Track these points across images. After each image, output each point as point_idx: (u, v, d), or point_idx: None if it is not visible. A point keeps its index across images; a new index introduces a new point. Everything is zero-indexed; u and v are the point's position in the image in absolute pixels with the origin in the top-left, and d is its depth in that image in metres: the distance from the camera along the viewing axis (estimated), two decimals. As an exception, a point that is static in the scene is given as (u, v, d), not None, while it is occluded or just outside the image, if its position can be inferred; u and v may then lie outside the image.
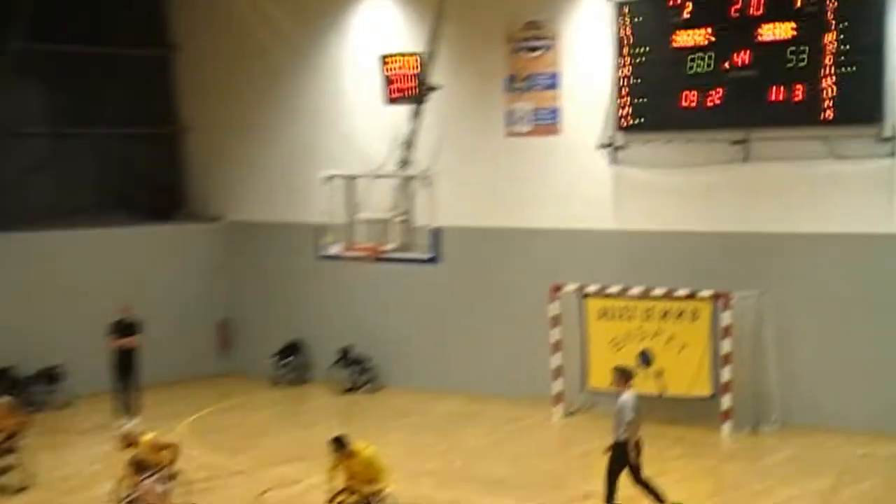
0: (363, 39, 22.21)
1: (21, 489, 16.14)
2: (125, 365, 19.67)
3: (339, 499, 13.52)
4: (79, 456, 18.26)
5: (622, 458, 14.08)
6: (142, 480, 13.63)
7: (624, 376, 14.61)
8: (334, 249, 19.85)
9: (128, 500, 13.92)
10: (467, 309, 21.49)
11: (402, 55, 20.43)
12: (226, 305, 24.64)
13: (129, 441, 14.71)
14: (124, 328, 19.72)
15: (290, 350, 23.43)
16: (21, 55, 22.56)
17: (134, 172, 24.63)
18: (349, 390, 22.23)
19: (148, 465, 14.04)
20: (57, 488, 16.50)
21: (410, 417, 20.17)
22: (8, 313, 21.38)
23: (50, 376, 21.27)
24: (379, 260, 19.57)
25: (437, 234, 19.09)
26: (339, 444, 13.60)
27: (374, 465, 13.53)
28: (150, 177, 24.84)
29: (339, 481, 13.74)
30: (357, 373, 22.49)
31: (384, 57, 20.58)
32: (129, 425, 18.91)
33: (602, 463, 14.32)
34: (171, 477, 14.19)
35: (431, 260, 19.38)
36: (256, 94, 23.92)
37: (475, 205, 21.06)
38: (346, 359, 22.59)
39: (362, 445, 13.69)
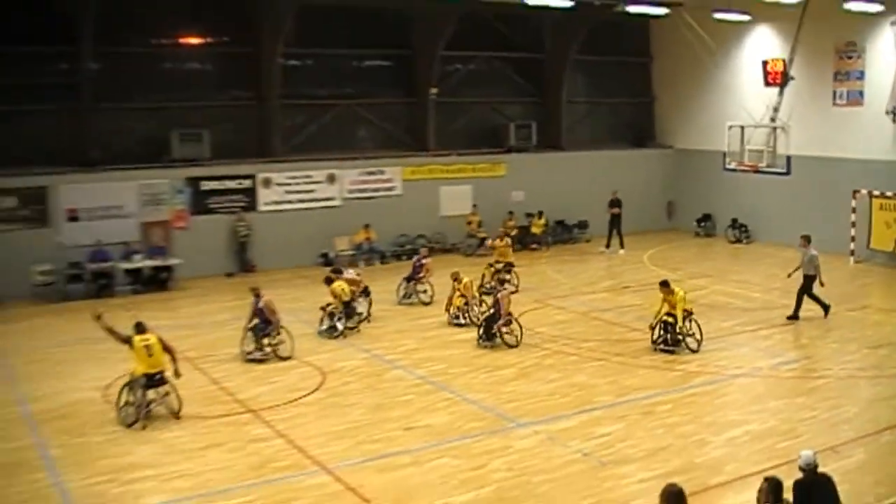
0: (753, 49, 28.31)
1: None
2: (615, 222, 27.64)
3: (660, 318, 16.05)
4: (589, 265, 26.05)
5: (808, 285, 18.47)
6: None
7: (807, 240, 18.68)
8: (732, 165, 25.54)
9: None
10: (803, 201, 27.12)
11: (774, 59, 26.30)
12: (672, 193, 32.00)
13: (455, 277, 17.88)
14: (615, 203, 27.61)
15: (704, 218, 30.55)
16: (574, 63, 30.16)
17: (627, 121, 32.85)
18: (735, 242, 29.13)
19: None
20: (580, 281, 23.08)
21: (768, 259, 26.09)
22: (561, 193, 29.30)
23: (581, 225, 30.13)
24: (756, 172, 24.99)
25: (789, 159, 24.60)
26: (665, 285, 16.28)
27: (683, 302, 15.85)
28: (636, 124, 32.82)
29: (662, 310, 16.31)
30: (740, 233, 29.28)
31: (764, 60, 26.66)
32: (606, 252, 26.69)
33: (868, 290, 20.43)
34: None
35: (785, 173, 25.01)
36: (692, 80, 30.92)
37: (812, 143, 26.46)
38: (735, 224, 29.33)
39: (678, 288, 16.23)
